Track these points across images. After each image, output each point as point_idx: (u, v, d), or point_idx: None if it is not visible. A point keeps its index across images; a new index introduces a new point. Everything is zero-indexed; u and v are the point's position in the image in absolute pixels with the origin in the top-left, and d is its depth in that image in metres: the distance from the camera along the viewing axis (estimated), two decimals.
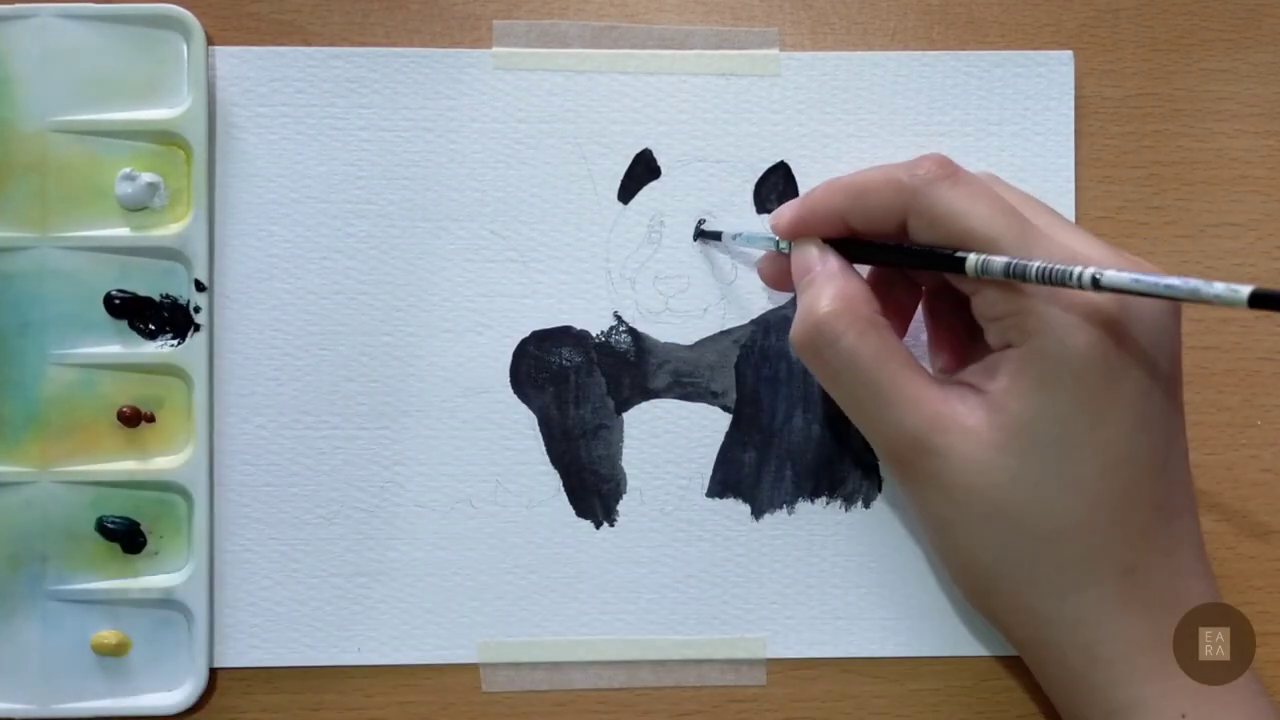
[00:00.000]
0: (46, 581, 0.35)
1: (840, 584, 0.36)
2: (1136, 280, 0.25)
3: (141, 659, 0.35)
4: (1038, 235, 0.28)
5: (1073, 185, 0.37)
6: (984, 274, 0.28)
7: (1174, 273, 0.37)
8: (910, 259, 0.31)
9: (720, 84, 0.36)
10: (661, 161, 0.36)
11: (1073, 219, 0.36)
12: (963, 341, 0.33)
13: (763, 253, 0.35)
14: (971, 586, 0.32)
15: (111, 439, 0.35)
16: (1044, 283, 0.27)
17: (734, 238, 0.35)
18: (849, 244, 0.31)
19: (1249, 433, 0.37)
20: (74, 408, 0.35)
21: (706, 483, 0.36)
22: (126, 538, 0.35)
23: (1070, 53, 0.37)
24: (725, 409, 0.36)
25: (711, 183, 0.36)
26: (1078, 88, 0.37)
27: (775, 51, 0.37)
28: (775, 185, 0.36)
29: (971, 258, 0.28)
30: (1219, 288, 0.24)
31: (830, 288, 0.30)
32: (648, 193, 0.36)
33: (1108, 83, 0.37)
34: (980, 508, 0.29)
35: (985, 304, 0.29)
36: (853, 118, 0.37)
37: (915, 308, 0.35)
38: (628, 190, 0.36)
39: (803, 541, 0.36)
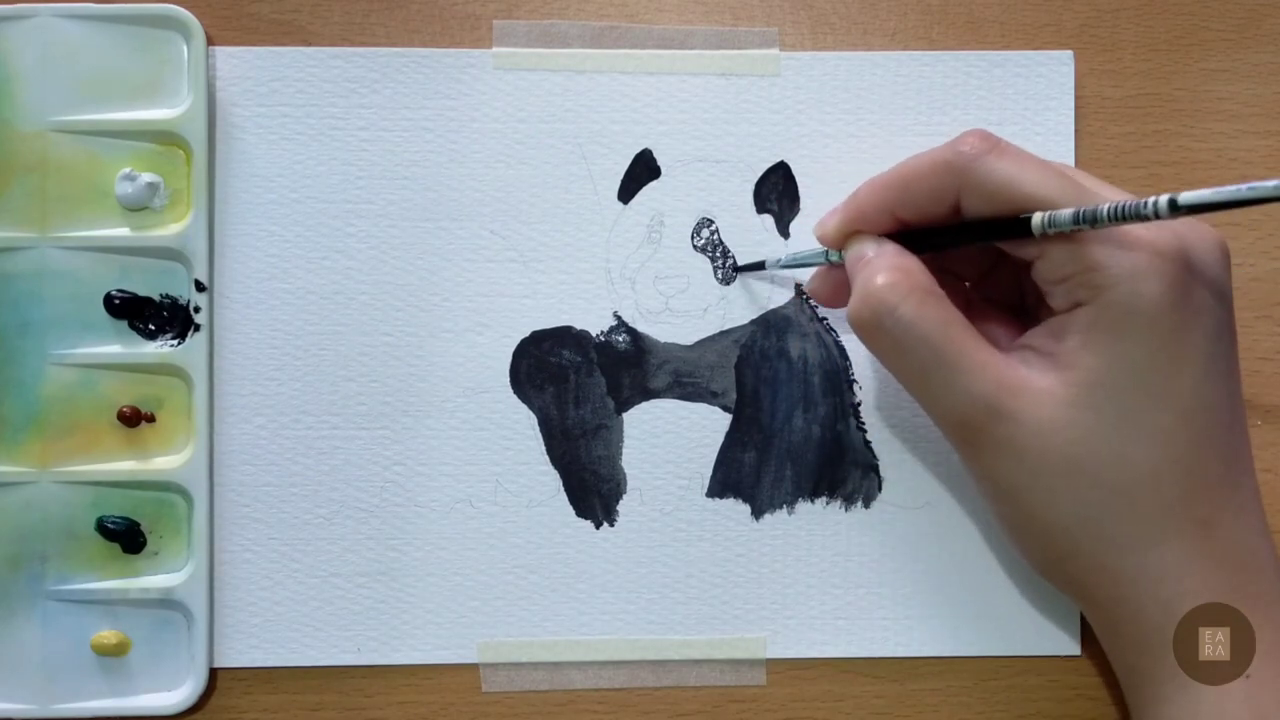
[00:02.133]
0: (47, 581, 0.35)
1: (840, 584, 0.36)
2: (1218, 193, 0.25)
3: (141, 659, 0.35)
4: (1090, 193, 0.29)
5: None
6: (1051, 229, 0.28)
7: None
8: (971, 234, 0.30)
9: (720, 84, 0.36)
10: (661, 161, 0.36)
11: None
12: (1011, 331, 0.33)
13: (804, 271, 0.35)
14: (1048, 553, 0.31)
15: (111, 439, 0.35)
16: (1118, 221, 0.27)
17: (778, 263, 0.35)
18: (904, 237, 0.31)
19: (1249, 433, 0.37)
20: (74, 407, 0.35)
21: (706, 483, 0.36)
22: (126, 538, 0.35)
23: (1070, 53, 0.37)
24: (725, 409, 0.36)
25: (711, 183, 0.36)
26: (1078, 88, 0.37)
27: (775, 51, 0.37)
28: (775, 185, 0.36)
29: (1037, 216, 0.28)
30: None
31: (883, 263, 0.30)
32: (648, 193, 0.36)
33: (1108, 83, 0.37)
34: (1058, 466, 0.29)
35: (1050, 266, 0.29)
36: (853, 118, 0.37)
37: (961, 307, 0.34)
38: (628, 190, 0.36)
39: (803, 541, 0.36)
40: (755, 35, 0.37)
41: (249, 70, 0.36)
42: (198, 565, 0.35)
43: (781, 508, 0.36)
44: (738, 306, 0.36)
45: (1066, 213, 0.28)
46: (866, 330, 0.31)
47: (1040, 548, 0.32)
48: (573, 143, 0.36)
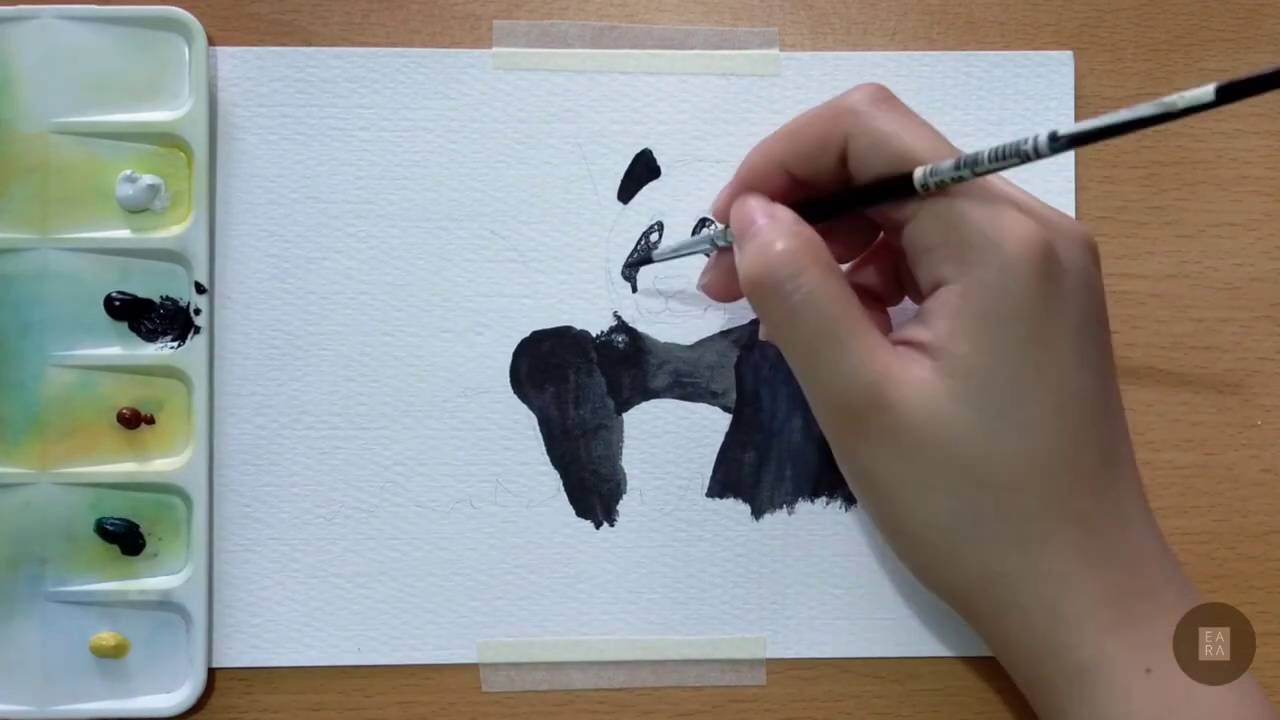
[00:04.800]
0: (45, 583, 0.35)
1: (840, 584, 0.36)
2: (1098, 122, 0.25)
3: (140, 661, 0.35)
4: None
5: (1073, 185, 0.37)
6: (934, 179, 0.27)
7: (1175, 274, 0.37)
8: (857, 198, 0.30)
9: (720, 84, 0.36)
10: (661, 161, 0.36)
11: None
12: (881, 324, 0.32)
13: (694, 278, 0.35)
14: (926, 557, 0.31)
15: (111, 441, 0.35)
16: (1000, 161, 0.26)
17: (665, 252, 0.35)
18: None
19: (1249, 433, 0.37)
20: (74, 409, 0.35)
21: (706, 483, 0.36)
22: (125, 539, 0.35)
23: (1070, 53, 0.37)
24: (725, 409, 0.36)
25: (711, 183, 0.36)
26: (1078, 88, 0.37)
27: (775, 51, 0.37)
28: None
29: (919, 169, 0.28)
30: (1189, 94, 0.23)
31: (784, 229, 0.29)
32: (648, 193, 0.36)
33: (1108, 83, 0.37)
34: (936, 462, 0.28)
35: (921, 231, 0.28)
36: None
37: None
38: (628, 190, 0.36)
39: (803, 541, 0.36)
40: (755, 35, 0.37)
41: (250, 71, 0.36)
42: (196, 567, 0.35)
43: (781, 508, 0.36)
44: (738, 306, 0.36)
45: (948, 162, 0.27)
46: (763, 292, 0.29)
47: (918, 551, 0.31)
48: (573, 143, 0.36)
